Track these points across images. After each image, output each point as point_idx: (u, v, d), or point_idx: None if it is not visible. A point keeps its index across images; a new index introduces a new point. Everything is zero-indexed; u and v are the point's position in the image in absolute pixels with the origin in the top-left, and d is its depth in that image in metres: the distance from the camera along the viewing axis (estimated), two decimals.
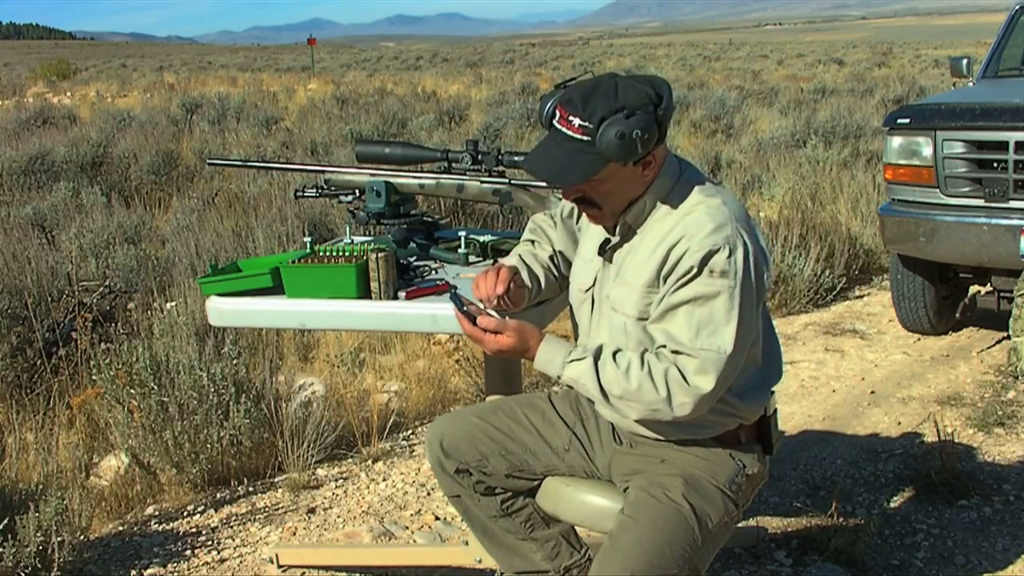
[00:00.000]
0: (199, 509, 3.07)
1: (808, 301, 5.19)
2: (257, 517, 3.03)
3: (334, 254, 2.24)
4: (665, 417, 1.74)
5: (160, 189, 8.15)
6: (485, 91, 18.81)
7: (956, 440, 3.31)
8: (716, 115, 12.33)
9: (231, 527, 2.96)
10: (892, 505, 3.00)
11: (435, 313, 2.07)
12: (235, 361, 3.24)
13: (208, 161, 2.89)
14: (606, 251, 1.89)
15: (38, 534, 2.43)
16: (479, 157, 2.37)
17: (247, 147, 9.84)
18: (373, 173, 2.44)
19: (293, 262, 2.19)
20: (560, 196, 2.34)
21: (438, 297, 2.12)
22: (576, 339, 2.01)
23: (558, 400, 2.09)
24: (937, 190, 4.20)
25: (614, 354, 1.75)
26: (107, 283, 4.61)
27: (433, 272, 2.33)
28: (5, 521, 2.41)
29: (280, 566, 2.65)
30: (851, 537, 2.65)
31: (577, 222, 2.05)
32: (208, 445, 3.11)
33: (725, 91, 15.27)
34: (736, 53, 46.39)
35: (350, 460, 3.42)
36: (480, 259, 2.44)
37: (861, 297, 5.51)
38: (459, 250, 2.41)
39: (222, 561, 2.77)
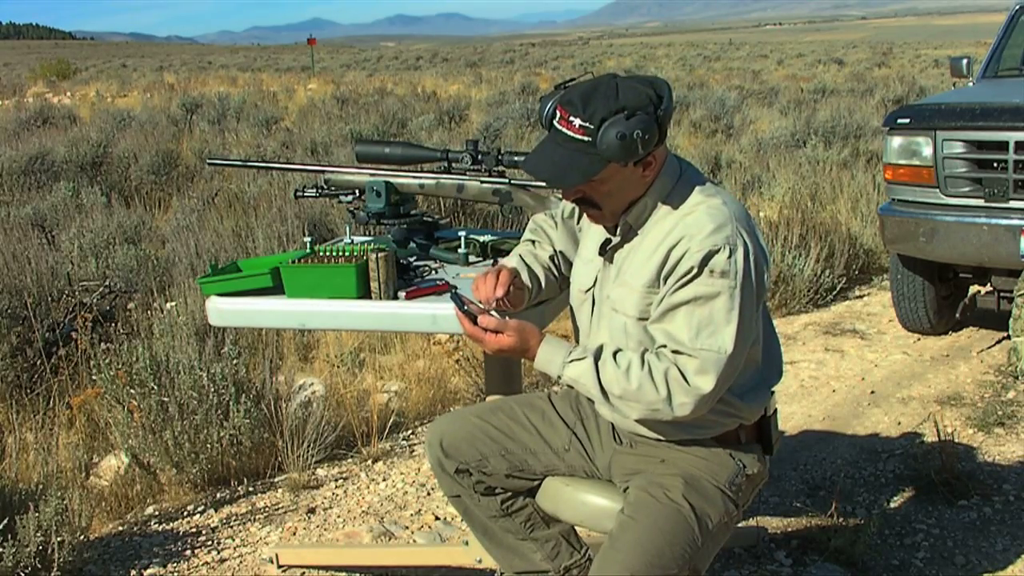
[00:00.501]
0: (199, 509, 3.07)
1: (808, 301, 5.19)
2: (257, 517, 3.03)
3: (334, 254, 2.24)
4: (665, 417, 1.74)
5: (160, 189, 8.16)
6: (485, 91, 18.81)
7: (956, 440, 3.31)
8: (716, 115, 12.33)
9: (231, 527, 2.96)
10: (892, 505, 3.00)
11: (435, 313, 2.07)
12: (235, 361, 3.24)
13: (208, 161, 2.89)
14: (607, 251, 1.89)
15: (38, 534, 2.43)
16: (479, 157, 2.37)
17: (247, 147, 9.84)
18: (373, 173, 2.44)
19: (293, 262, 2.19)
20: (560, 196, 2.34)
21: (438, 297, 2.12)
22: (576, 339, 2.01)
23: (558, 400, 2.09)
24: (937, 190, 4.20)
25: (614, 354, 1.75)
26: (107, 283, 4.61)
27: (433, 272, 2.33)
28: (5, 521, 2.41)
29: (280, 566, 2.65)
30: (851, 537, 2.65)
31: (578, 223, 2.05)
32: (208, 445, 3.11)
33: (725, 91, 15.27)
34: (736, 53, 46.39)
35: (350, 460, 3.42)
36: (480, 259, 2.44)
37: (861, 297, 5.51)
38: (459, 250, 2.41)
39: (222, 561, 2.77)
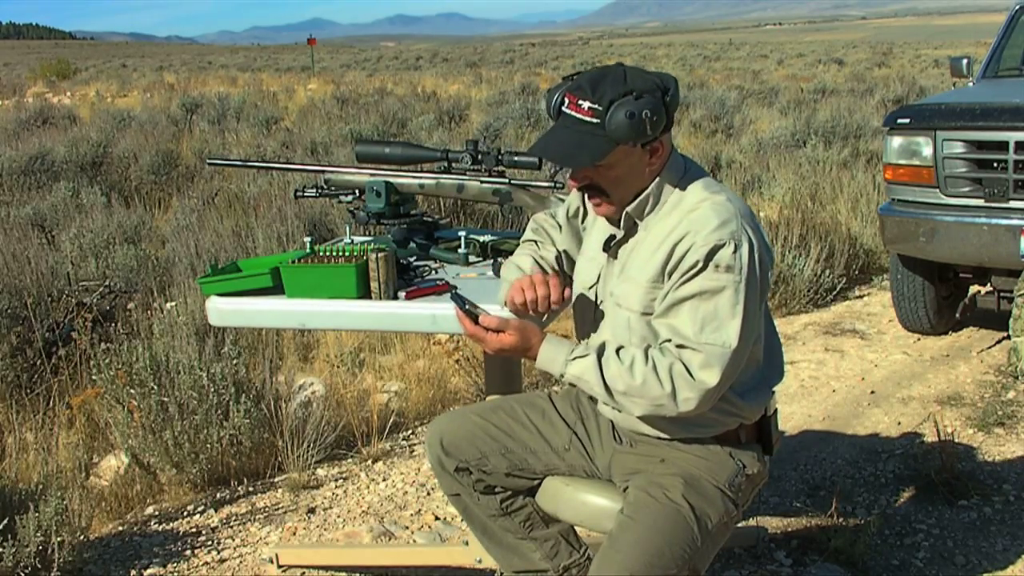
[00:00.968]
0: (199, 509, 3.07)
1: (808, 301, 5.19)
2: (257, 517, 3.03)
3: (334, 254, 2.24)
4: (669, 413, 1.73)
5: (160, 189, 8.16)
6: (485, 91, 18.81)
7: (956, 440, 3.31)
8: (716, 115, 12.33)
9: (231, 527, 2.96)
10: (892, 505, 3.00)
11: (435, 313, 2.07)
12: (235, 361, 3.24)
13: (208, 161, 2.89)
14: (611, 247, 1.89)
15: (38, 534, 2.43)
16: (479, 157, 2.37)
17: (247, 147, 9.84)
18: (373, 173, 2.44)
19: (293, 262, 2.19)
20: (562, 197, 2.34)
21: (438, 297, 2.12)
22: (578, 338, 2.01)
23: (558, 399, 2.09)
24: (937, 190, 4.20)
25: (617, 350, 1.76)
26: (107, 283, 4.61)
27: (433, 272, 2.33)
28: (5, 521, 2.41)
29: (280, 566, 2.65)
30: (851, 537, 2.65)
31: (583, 222, 2.06)
32: (208, 445, 3.11)
33: (725, 91, 15.27)
34: (736, 53, 46.40)
35: (350, 460, 3.42)
36: (480, 259, 2.44)
37: (861, 297, 5.51)
38: (459, 250, 2.41)
39: (222, 561, 2.77)
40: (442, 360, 4.08)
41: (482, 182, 2.39)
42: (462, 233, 2.45)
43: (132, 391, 3.14)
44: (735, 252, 1.71)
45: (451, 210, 5.61)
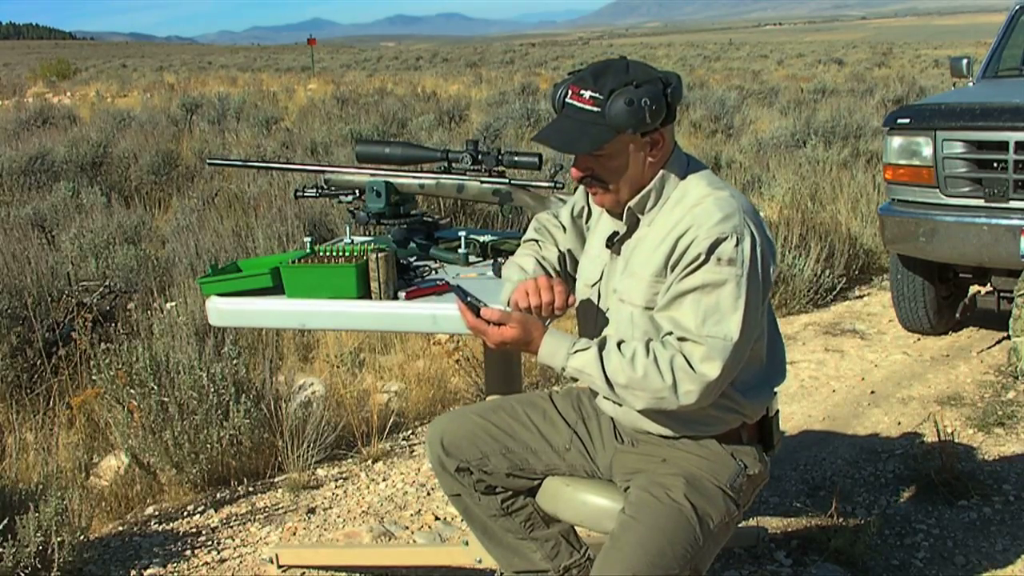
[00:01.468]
0: (199, 509, 3.07)
1: (808, 301, 5.19)
2: (257, 517, 3.02)
3: (334, 254, 2.24)
4: (671, 406, 1.73)
5: (160, 189, 8.15)
6: (485, 91, 18.81)
7: (956, 440, 3.31)
8: (716, 115, 12.33)
9: (231, 527, 2.96)
10: (892, 505, 3.00)
11: (435, 313, 2.07)
12: (235, 361, 3.24)
13: (208, 161, 2.89)
14: (614, 244, 1.89)
15: (38, 534, 2.43)
16: (479, 157, 2.37)
17: (247, 147, 9.84)
18: (373, 173, 2.44)
19: (293, 262, 2.19)
20: (562, 197, 2.34)
21: (438, 297, 2.12)
22: (581, 335, 2.01)
23: (559, 399, 2.09)
24: (937, 190, 4.20)
25: (619, 344, 1.76)
26: (107, 283, 4.61)
27: (433, 272, 2.33)
28: (5, 521, 2.41)
29: (280, 566, 2.65)
30: (851, 537, 2.65)
31: (587, 221, 2.06)
32: (208, 445, 3.11)
33: (725, 91, 15.27)
34: (736, 53, 46.41)
35: (350, 460, 3.42)
36: (480, 259, 2.44)
37: (861, 297, 5.51)
38: (459, 250, 2.41)
39: (222, 561, 2.77)
40: (442, 360, 4.08)
41: (482, 182, 2.39)
42: (462, 233, 2.44)
43: (132, 391, 3.14)
44: (737, 246, 1.72)
45: (451, 210, 5.61)
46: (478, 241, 2.45)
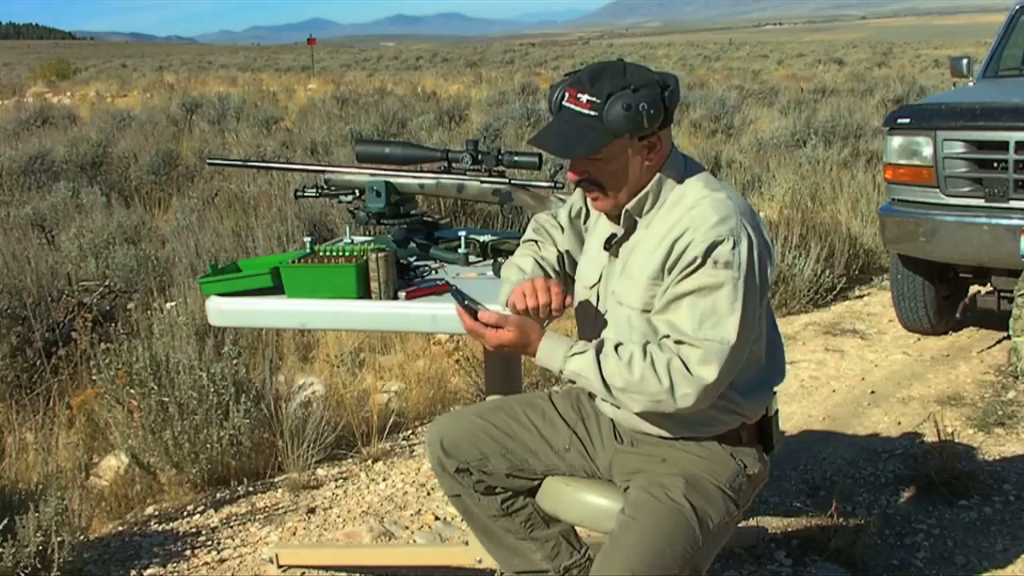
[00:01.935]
0: (199, 509, 3.07)
1: (808, 301, 5.19)
2: (257, 517, 3.02)
3: (334, 254, 2.24)
4: (668, 409, 1.73)
5: (160, 189, 8.15)
6: (485, 91, 18.80)
7: (956, 440, 3.31)
8: (716, 115, 12.33)
9: (231, 527, 2.96)
10: (892, 505, 3.00)
11: (435, 313, 2.07)
12: (235, 361, 3.24)
13: (208, 161, 2.89)
14: (612, 246, 1.89)
15: (38, 534, 2.43)
16: (479, 157, 2.37)
17: (247, 147, 9.84)
18: (373, 173, 2.44)
19: (293, 262, 2.19)
20: (562, 197, 2.34)
21: (438, 297, 2.12)
22: (580, 337, 2.01)
23: (559, 399, 2.09)
24: (937, 190, 4.20)
25: (616, 347, 1.76)
26: (107, 283, 4.61)
27: (433, 272, 2.33)
28: (5, 521, 2.41)
29: (280, 566, 2.65)
30: (851, 537, 2.65)
31: (584, 222, 2.06)
32: (208, 445, 3.11)
33: (725, 91, 15.28)
34: (736, 53, 46.41)
35: (350, 460, 3.42)
36: (480, 259, 2.44)
37: (861, 297, 5.51)
38: (459, 250, 2.41)
39: (222, 561, 2.77)
40: (442, 360, 4.08)
41: (482, 182, 2.39)
42: (462, 233, 2.45)
43: (132, 391, 3.14)
44: (734, 248, 1.72)
45: (451, 210, 5.61)
46: (478, 241, 2.45)
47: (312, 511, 3.07)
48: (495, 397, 2.29)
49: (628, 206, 1.84)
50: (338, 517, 3.03)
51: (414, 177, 2.42)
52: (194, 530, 2.94)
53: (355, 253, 2.21)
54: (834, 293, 5.30)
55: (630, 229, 1.86)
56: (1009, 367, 3.96)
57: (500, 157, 2.36)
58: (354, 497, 3.16)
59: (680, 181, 1.83)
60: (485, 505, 2.08)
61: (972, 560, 2.68)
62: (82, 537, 2.66)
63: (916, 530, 2.82)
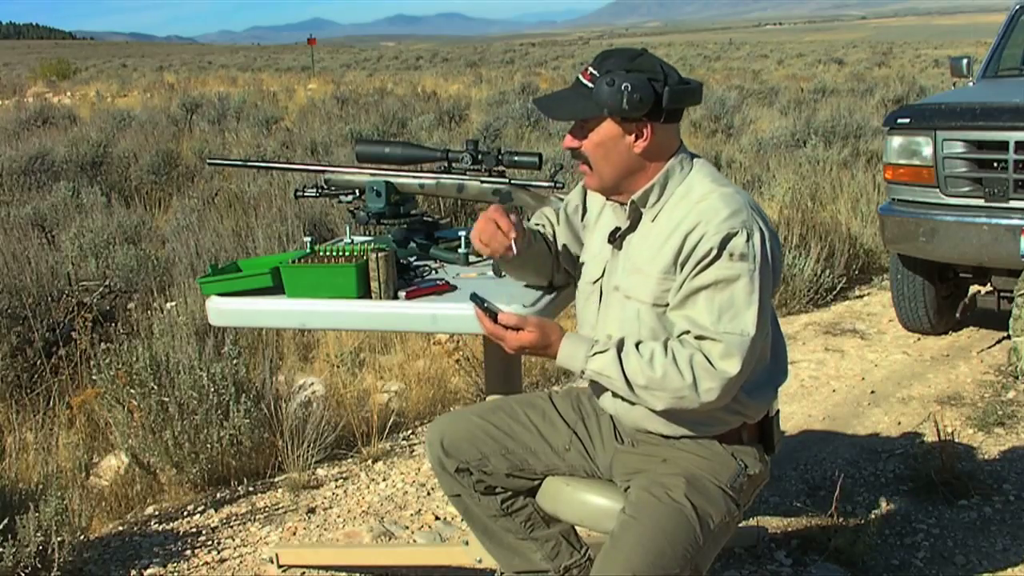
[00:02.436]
0: (199, 509, 3.07)
1: (808, 301, 5.19)
2: (257, 517, 3.02)
3: (334, 254, 2.24)
4: (692, 405, 1.73)
5: (160, 189, 8.15)
6: (485, 91, 18.80)
7: (956, 440, 3.31)
8: (716, 115, 12.33)
9: (231, 527, 2.96)
10: (892, 505, 3.00)
11: (435, 313, 2.07)
12: (235, 361, 3.24)
13: (208, 161, 2.89)
14: (616, 239, 1.89)
15: (38, 534, 2.43)
16: (479, 157, 2.37)
17: (247, 147, 9.84)
18: (373, 173, 2.44)
19: (293, 262, 2.19)
20: (561, 197, 2.34)
21: (438, 297, 2.11)
22: (580, 331, 2.01)
23: (559, 399, 2.09)
24: (937, 190, 4.20)
25: (637, 344, 1.76)
26: (107, 283, 4.61)
27: (433, 272, 2.33)
28: (5, 521, 2.41)
29: (280, 566, 2.65)
30: (851, 537, 2.65)
31: (582, 219, 2.06)
32: (208, 445, 3.11)
33: (725, 91, 15.26)
34: (736, 53, 46.42)
35: (350, 460, 3.42)
36: (480, 259, 2.43)
37: (861, 297, 5.51)
38: (459, 250, 2.41)
39: (222, 561, 2.77)
40: (442, 360, 4.08)
41: (482, 182, 2.39)
42: (462, 233, 2.44)
43: (132, 391, 3.14)
44: (748, 240, 1.72)
45: (451, 210, 5.61)
46: None
47: (312, 511, 3.07)
48: (495, 397, 2.29)
49: (634, 196, 1.84)
50: (338, 517, 3.03)
51: (414, 177, 2.42)
52: (194, 530, 2.94)
53: (355, 253, 2.21)
54: (834, 293, 5.30)
55: (635, 221, 1.87)
56: (1009, 367, 3.96)
57: (500, 157, 2.36)
58: (354, 497, 3.16)
59: (686, 175, 1.84)
60: (485, 505, 2.08)
61: (972, 560, 2.68)
62: (82, 537, 2.66)
63: (916, 530, 2.83)
